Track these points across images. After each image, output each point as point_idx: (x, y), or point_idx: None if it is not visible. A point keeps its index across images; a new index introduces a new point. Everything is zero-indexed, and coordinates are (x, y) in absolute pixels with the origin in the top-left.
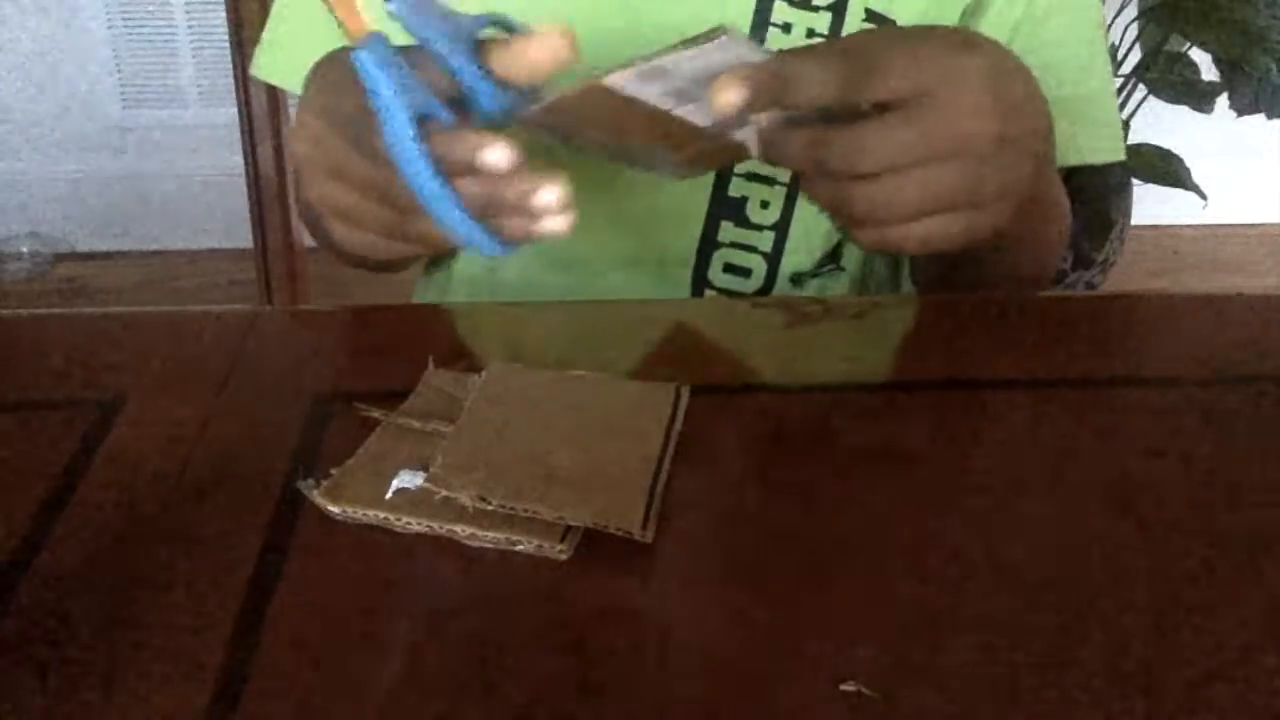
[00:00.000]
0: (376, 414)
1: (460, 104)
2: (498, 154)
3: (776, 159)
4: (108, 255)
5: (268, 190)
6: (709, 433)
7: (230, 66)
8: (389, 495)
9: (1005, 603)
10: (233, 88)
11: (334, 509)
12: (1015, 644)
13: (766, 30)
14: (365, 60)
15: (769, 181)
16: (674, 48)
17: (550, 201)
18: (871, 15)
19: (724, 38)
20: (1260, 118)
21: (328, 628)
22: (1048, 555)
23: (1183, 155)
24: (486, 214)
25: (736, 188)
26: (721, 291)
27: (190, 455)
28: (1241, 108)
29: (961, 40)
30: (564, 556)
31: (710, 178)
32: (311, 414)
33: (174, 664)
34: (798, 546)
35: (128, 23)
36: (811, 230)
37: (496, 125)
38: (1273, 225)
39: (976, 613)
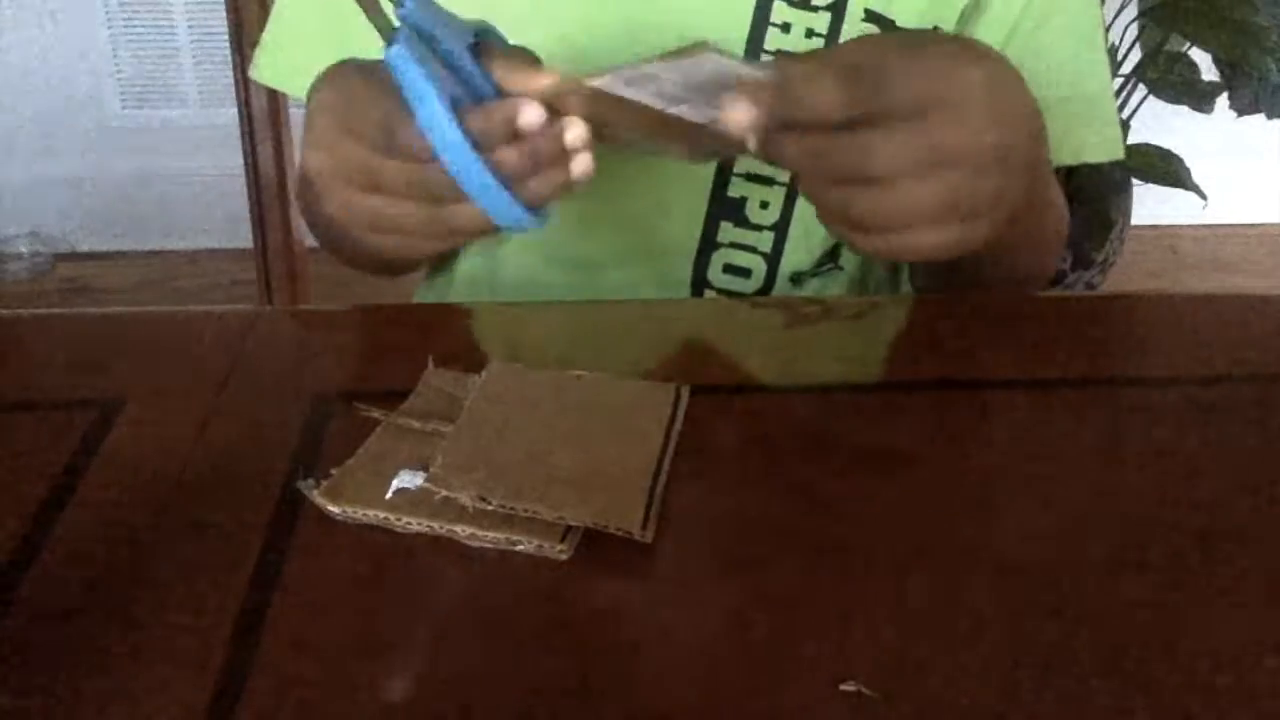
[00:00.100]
0: (376, 414)
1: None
2: (532, 113)
3: (776, 158)
4: (108, 255)
5: (268, 190)
6: (709, 433)
7: (230, 66)
8: (389, 495)
9: (1005, 603)
10: (233, 88)
11: (334, 509)
12: (1015, 644)
13: (766, 30)
14: (397, 55)
15: (768, 182)
16: (660, 58)
17: (578, 135)
18: (871, 15)
19: (708, 53)
20: (1260, 118)
21: (328, 628)
22: (1048, 555)
23: (1183, 155)
24: (527, 177)
25: (736, 188)
26: (721, 292)
27: (190, 455)
28: (1241, 108)
29: (961, 49)
30: (564, 556)
31: (710, 178)
32: (311, 414)
33: (174, 664)
34: (798, 546)
35: (128, 23)
36: (811, 230)
37: None
38: (1273, 225)
39: (976, 613)
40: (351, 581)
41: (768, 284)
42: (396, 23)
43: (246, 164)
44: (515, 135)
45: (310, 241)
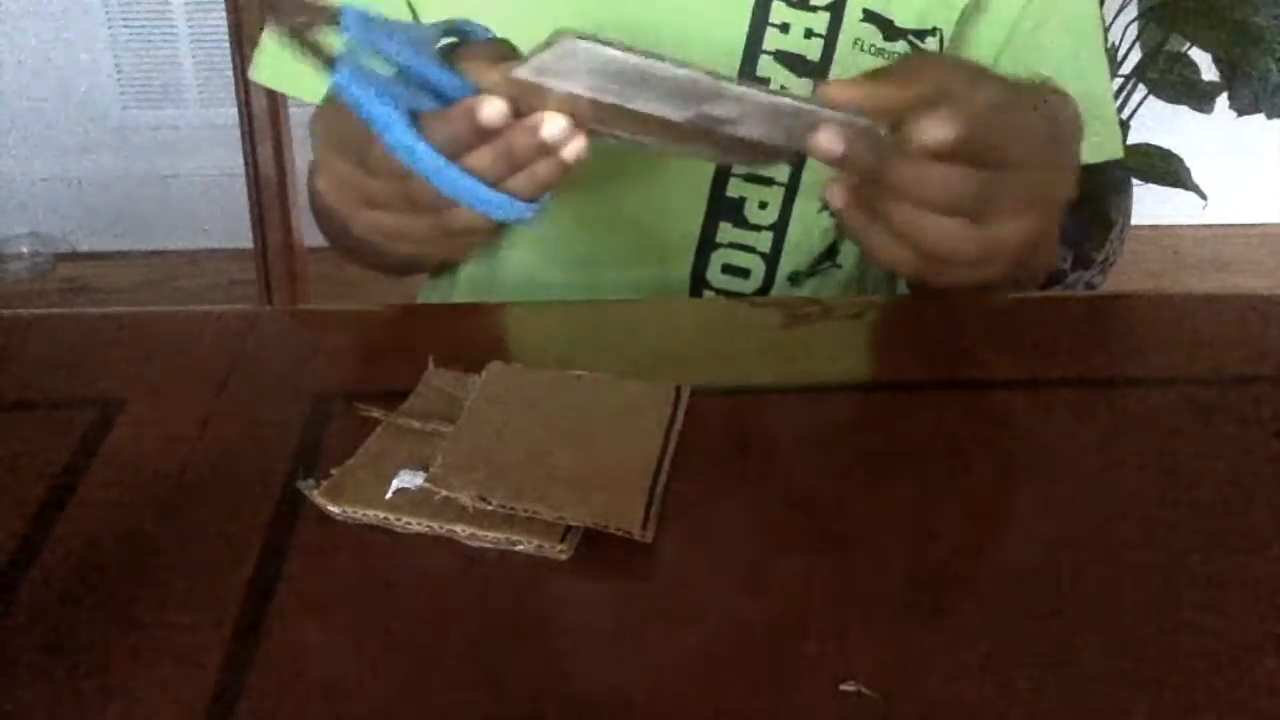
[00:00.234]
0: (376, 414)
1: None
2: (490, 108)
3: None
4: (108, 255)
5: (268, 190)
6: (709, 433)
7: (230, 66)
8: (389, 495)
9: (1005, 602)
10: (233, 88)
11: (334, 509)
12: (1015, 644)
13: (765, 30)
14: (343, 81)
15: (767, 182)
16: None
17: (557, 129)
18: (869, 15)
19: (564, 43)
20: (1260, 118)
21: (328, 628)
22: (1047, 555)
23: (1183, 155)
24: (507, 175)
25: (734, 188)
26: (720, 292)
27: (190, 455)
28: (1241, 108)
29: (1049, 107)
30: (564, 556)
31: (709, 179)
32: (311, 414)
33: (174, 664)
34: (798, 546)
35: (128, 23)
36: (809, 230)
37: None
38: (1273, 225)
39: (976, 612)
40: (351, 581)
41: (766, 284)
42: (340, 47)
43: (246, 164)
44: (486, 134)
45: (310, 241)
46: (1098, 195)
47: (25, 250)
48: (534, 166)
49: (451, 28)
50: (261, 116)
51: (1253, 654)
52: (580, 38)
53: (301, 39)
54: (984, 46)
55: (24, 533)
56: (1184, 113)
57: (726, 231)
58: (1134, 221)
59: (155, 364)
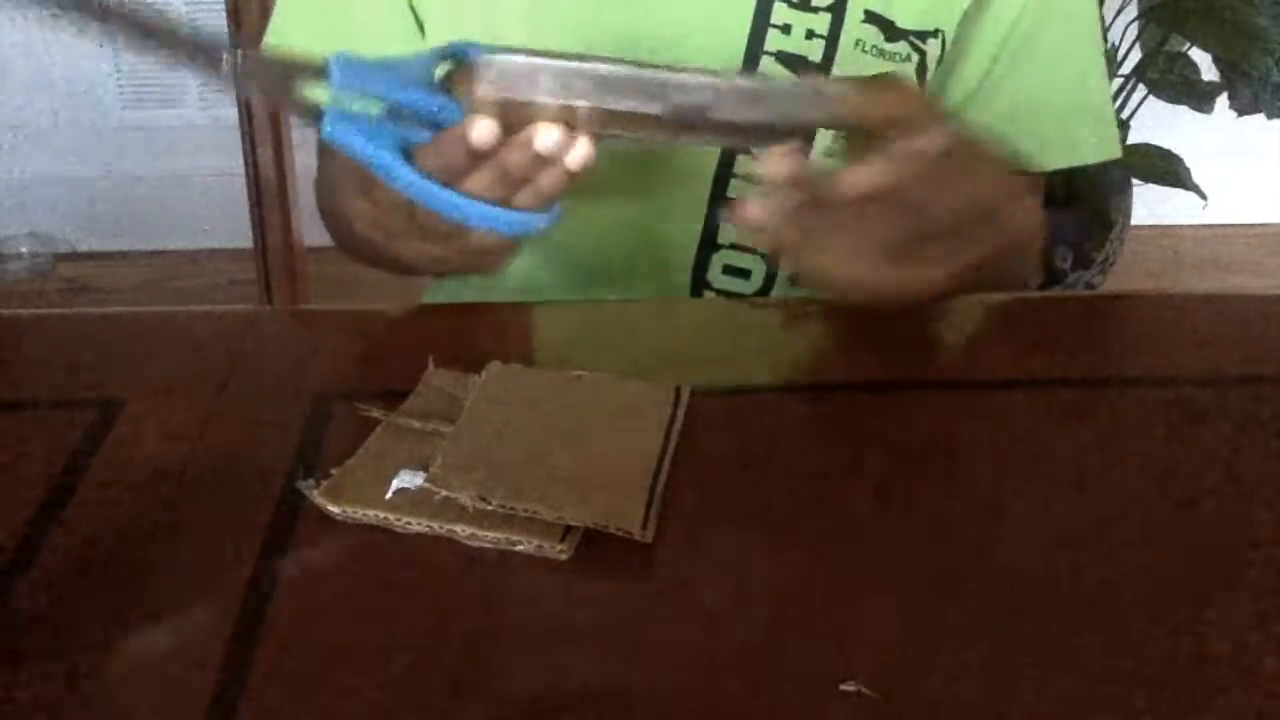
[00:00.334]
0: (376, 414)
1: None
2: (480, 128)
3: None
4: (108, 255)
5: (268, 190)
6: (709, 433)
7: None
8: (389, 495)
9: (1005, 603)
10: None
11: (334, 509)
12: (1015, 644)
13: (766, 31)
14: (332, 130)
15: None
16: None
17: (551, 140)
18: (870, 16)
19: (482, 60)
20: (1260, 118)
21: (328, 628)
22: (1048, 555)
23: (1183, 155)
24: (510, 193)
25: (735, 189)
26: (720, 292)
27: (190, 455)
28: (1241, 108)
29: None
30: (564, 556)
31: (710, 180)
32: (311, 414)
33: (174, 664)
34: (797, 546)
35: None
36: None
37: None
38: (1273, 225)
39: (977, 612)
40: (351, 581)
41: (767, 284)
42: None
43: (246, 164)
44: (481, 155)
45: (310, 241)
46: (1098, 195)
47: (25, 250)
48: (536, 179)
49: (450, 52)
50: (261, 117)
51: (1253, 654)
52: (497, 51)
53: (281, 98)
54: (985, 46)
55: (24, 533)
56: (1184, 113)
57: (728, 232)
58: (1134, 221)
59: (155, 364)
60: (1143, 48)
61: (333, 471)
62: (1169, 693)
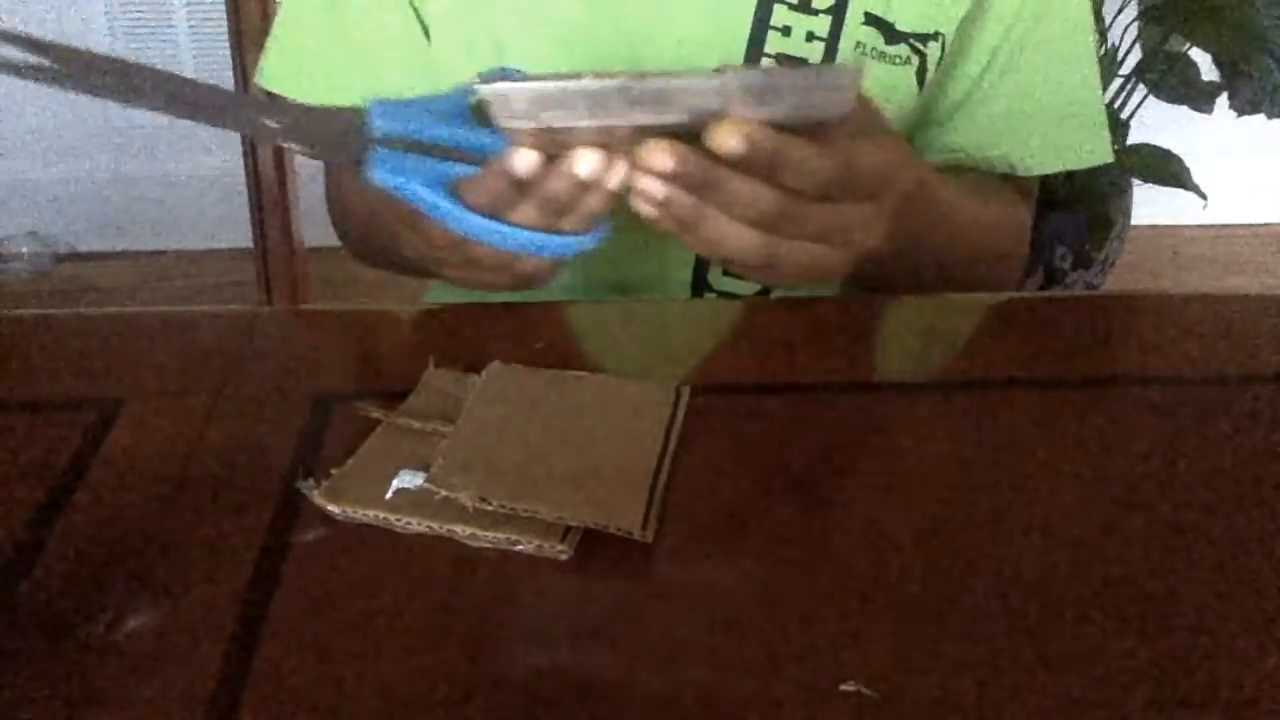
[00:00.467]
0: (376, 414)
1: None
2: (522, 159)
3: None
4: (108, 255)
5: (268, 190)
6: (709, 433)
7: (230, 66)
8: (389, 495)
9: (1005, 602)
10: (233, 88)
11: (334, 509)
12: (1015, 643)
13: (767, 33)
14: (379, 174)
15: None
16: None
17: (592, 165)
18: (870, 18)
19: (491, 88)
20: (1260, 118)
21: (328, 628)
22: (1048, 555)
23: (1183, 155)
24: (559, 218)
25: None
26: (720, 293)
27: (190, 455)
28: (1241, 108)
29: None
30: (564, 556)
31: None
32: (311, 414)
33: (174, 664)
34: (798, 546)
35: (128, 23)
36: None
37: None
38: (1273, 225)
39: (977, 611)
40: (351, 581)
41: (767, 285)
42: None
43: (246, 164)
44: (525, 185)
45: (310, 241)
46: (1098, 195)
47: (25, 250)
48: (580, 204)
49: (492, 78)
50: None
51: (1253, 654)
52: (496, 80)
53: (324, 149)
54: (982, 49)
55: (24, 533)
56: (1184, 113)
57: None
58: (1134, 221)
59: (155, 364)
60: (1143, 48)
61: (333, 471)
62: (1170, 693)
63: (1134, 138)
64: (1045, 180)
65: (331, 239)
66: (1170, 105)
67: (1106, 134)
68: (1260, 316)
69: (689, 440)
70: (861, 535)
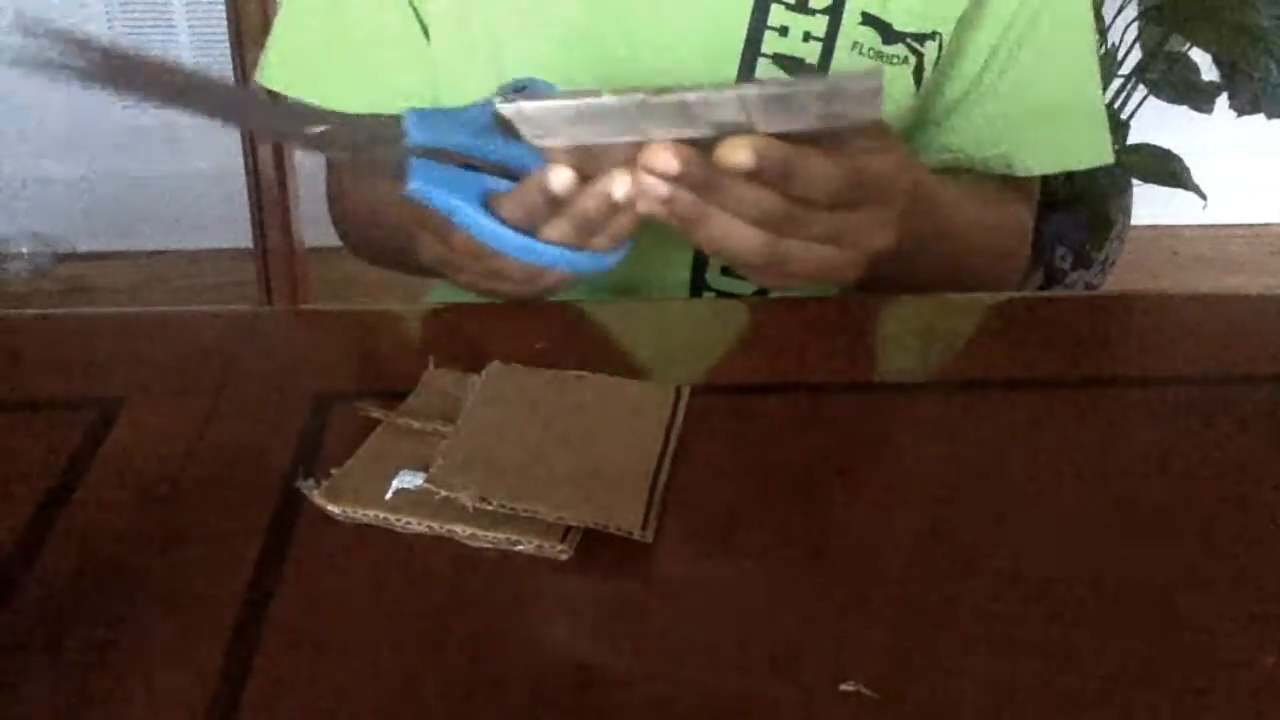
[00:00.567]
0: (376, 414)
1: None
2: (558, 177)
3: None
4: (108, 255)
5: (268, 190)
6: (709, 433)
7: (230, 66)
8: (389, 495)
9: (1005, 603)
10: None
11: (334, 509)
12: (1015, 643)
13: (764, 33)
14: (416, 187)
15: None
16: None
17: (626, 187)
18: (867, 18)
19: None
20: (1260, 118)
21: (328, 628)
22: (1048, 555)
23: (1183, 155)
24: (590, 236)
25: None
26: (719, 293)
27: (190, 455)
28: (1241, 108)
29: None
30: (564, 556)
31: None
32: (311, 414)
33: (174, 664)
34: (797, 546)
35: (128, 23)
36: None
37: None
38: (1273, 225)
39: (977, 612)
40: (351, 581)
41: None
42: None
43: (246, 164)
44: (559, 201)
45: (310, 241)
46: (1098, 195)
47: (25, 250)
48: (611, 224)
49: (514, 89)
50: None
51: (1253, 654)
52: (515, 92)
53: (364, 159)
54: (981, 47)
55: (24, 533)
56: (1184, 113)
57: None
58: (1134, 221)
59: (155, 364)
60: (1143, 48)
61: (333, 471)
62: (1169, 693)
63: (1134, 138)
64: (1045, 180)
65: (331, 239)
66: (1170, 105)
67: (1107, 134)
68: (1260, 316)
69: (689, 440)
70: (861, 535)
